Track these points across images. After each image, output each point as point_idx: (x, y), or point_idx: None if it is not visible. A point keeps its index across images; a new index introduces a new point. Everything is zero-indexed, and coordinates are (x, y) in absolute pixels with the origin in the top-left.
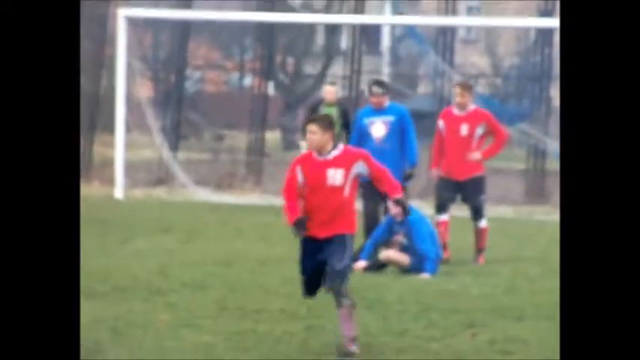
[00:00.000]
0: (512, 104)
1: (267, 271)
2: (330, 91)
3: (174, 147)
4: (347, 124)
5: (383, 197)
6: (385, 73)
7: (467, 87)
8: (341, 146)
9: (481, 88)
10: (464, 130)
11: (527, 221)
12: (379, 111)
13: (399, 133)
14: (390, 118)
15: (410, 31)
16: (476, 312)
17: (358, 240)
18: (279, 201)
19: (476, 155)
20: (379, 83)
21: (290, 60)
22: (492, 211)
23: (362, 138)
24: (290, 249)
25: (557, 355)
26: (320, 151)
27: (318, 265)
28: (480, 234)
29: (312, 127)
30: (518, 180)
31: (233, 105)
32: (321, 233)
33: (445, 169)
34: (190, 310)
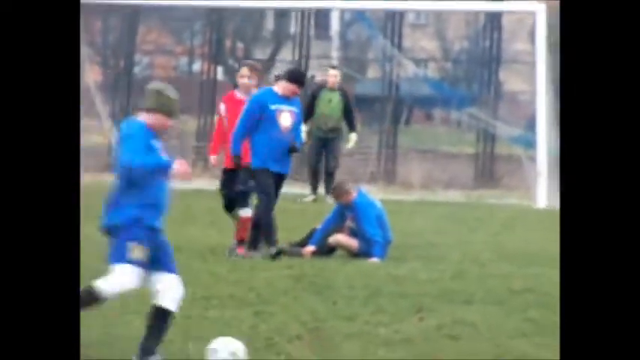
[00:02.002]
0: (461, 88)
1: (216, 257)
2: (333, 75)
3: None
4: (349, 110)
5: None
6: (334, 58)
7: (256, 69)
8: None
9: (431, 72)
10: None
11: (476, 205)
12: (286, 100)
13: (298, 125)
14: (296, 110)
15: (359, 15)
16: (424, 296)
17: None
18: None
19: None
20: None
21: (239, 45)
22: (442, 195)
23: (268, 124)
24: None
25: (505, 339)
26: None
27: None
28: (242, 224)
29: None
30: (467, 164)
31: (182, 90)
32: None
33: (228, 161)
34: (138, 296)
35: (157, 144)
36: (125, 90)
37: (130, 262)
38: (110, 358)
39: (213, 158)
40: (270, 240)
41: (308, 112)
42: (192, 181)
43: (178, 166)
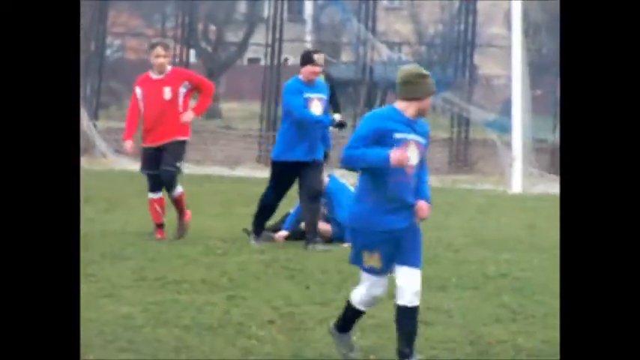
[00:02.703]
0: (436, 72)
1: (187, 241)
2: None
3: (94, 115)
4: (333, 93)
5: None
6: (308, 41)
7: (168, 47)
8: None
9: (405, 55)
10: (167, 93)
11: (450, 190)
12: (312, 87)
13: (326, 112)
14: (324, 96)
15: None
16: None
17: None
18: (200, 169)
19: (188, 115)
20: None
21: (212, 27)
22: None
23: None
24: (211, 218)
25: (480, 325)
26: None
27: None
28: (177, 203)
29: None
30: (441, 148)
31: None
32: None
33: (150, 139)
34: (110, 280)
35: (404, 129)
36: (96, 72)
37: (367, 270)
38: (83, 342)
39: (128, 144)
40: (256, 230)
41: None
42: None
43: (394, 155)
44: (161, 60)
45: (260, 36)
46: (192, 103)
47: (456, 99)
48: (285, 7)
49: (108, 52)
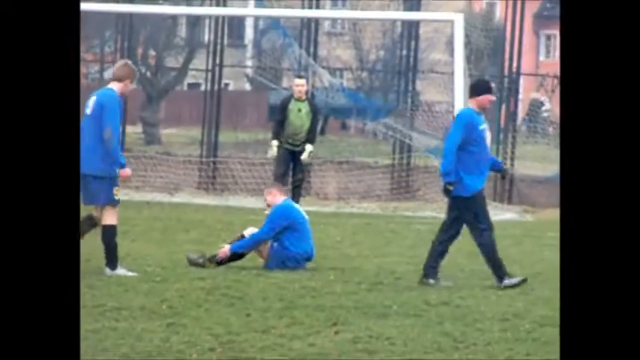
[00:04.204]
0: (377, 98)
1: (126, 268)
2: (300, 85)
3: None
4: (315, 121)
5: None
6: (249, 66)
7: None
8: None
9: (346, 81)
10: None
11: (392, 217)
12: (481, 116)
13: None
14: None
15: (274, 23)
16: (340, 309)
17: None
18: (139, 196)
19: None
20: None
21: (151, 52)
22: (357, 206)
23: (479, 146)
24: (150, 245)
25: (422, 353)
26: None
27: None
28: None
29: None
30: (383, 175)
31: None
32: None
33: None
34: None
35: None
36: None
37: None
38: None
39: None
40: (502, 271)
41: (280, 125)
42: None
43: None
44: None
45: (200, 61)
46: None
47: (397, 125)
48: (226, 32)
49: None
